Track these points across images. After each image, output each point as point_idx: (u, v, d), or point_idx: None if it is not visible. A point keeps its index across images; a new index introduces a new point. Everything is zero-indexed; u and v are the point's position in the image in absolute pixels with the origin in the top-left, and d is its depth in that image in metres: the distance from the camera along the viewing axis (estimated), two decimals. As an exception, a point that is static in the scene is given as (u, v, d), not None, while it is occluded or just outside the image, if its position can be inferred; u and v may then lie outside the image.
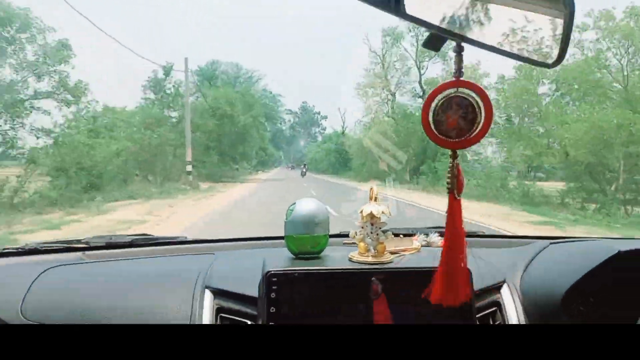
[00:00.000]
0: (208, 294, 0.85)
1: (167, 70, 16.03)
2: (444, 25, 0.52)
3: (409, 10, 0.52)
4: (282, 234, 0.95)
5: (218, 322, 0.80)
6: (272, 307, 0.74)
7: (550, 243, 1.02)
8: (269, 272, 0.76)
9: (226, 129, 18.02)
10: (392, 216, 0.92)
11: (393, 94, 19.66)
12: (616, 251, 0.79)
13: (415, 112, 16.03)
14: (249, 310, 0.79)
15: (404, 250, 1.01)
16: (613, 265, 0.80)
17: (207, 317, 0.81)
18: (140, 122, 13.99)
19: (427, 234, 1.21)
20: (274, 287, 0.75)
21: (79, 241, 1.14)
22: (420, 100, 17.66)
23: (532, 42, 0.54)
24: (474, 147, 11.67)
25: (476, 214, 7.94)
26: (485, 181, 11.91)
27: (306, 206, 0.94)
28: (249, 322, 0.78)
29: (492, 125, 0.55)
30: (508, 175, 12.61)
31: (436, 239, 1.23)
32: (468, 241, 1.10)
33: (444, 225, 0.59)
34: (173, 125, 15.63)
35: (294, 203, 0.98)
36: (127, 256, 1.07)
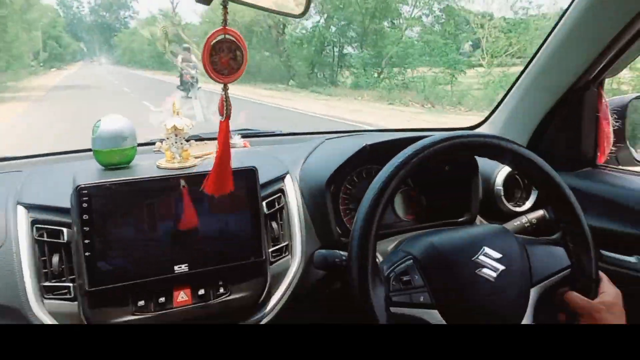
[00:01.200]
0: (21, 209, 0.89)
1: None
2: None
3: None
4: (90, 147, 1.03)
5: (35, 234, 0.88)
6: (85, 215, 0.85)
7: (326, 139, 1.28)
8: (78, 186, 0.85)
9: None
10: (193, 126, 1.07)
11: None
12: (363, 145, 1.07)
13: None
14: (64, 220, 0.88)
15: (207, 154, 1.18)
16: (361, 156, 1.08)
17: (22, 230, 0.86)
18: None
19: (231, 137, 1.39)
20: (84, 199, 0.85)
21: None
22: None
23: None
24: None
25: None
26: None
27: (112, 123, 1.03)
28: (65, 230, 0.88)
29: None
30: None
31: (238, 140, 1.42)
32: (264, 140, 1.30)
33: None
34: None
35: (99, 120, 1.05)
36: None
